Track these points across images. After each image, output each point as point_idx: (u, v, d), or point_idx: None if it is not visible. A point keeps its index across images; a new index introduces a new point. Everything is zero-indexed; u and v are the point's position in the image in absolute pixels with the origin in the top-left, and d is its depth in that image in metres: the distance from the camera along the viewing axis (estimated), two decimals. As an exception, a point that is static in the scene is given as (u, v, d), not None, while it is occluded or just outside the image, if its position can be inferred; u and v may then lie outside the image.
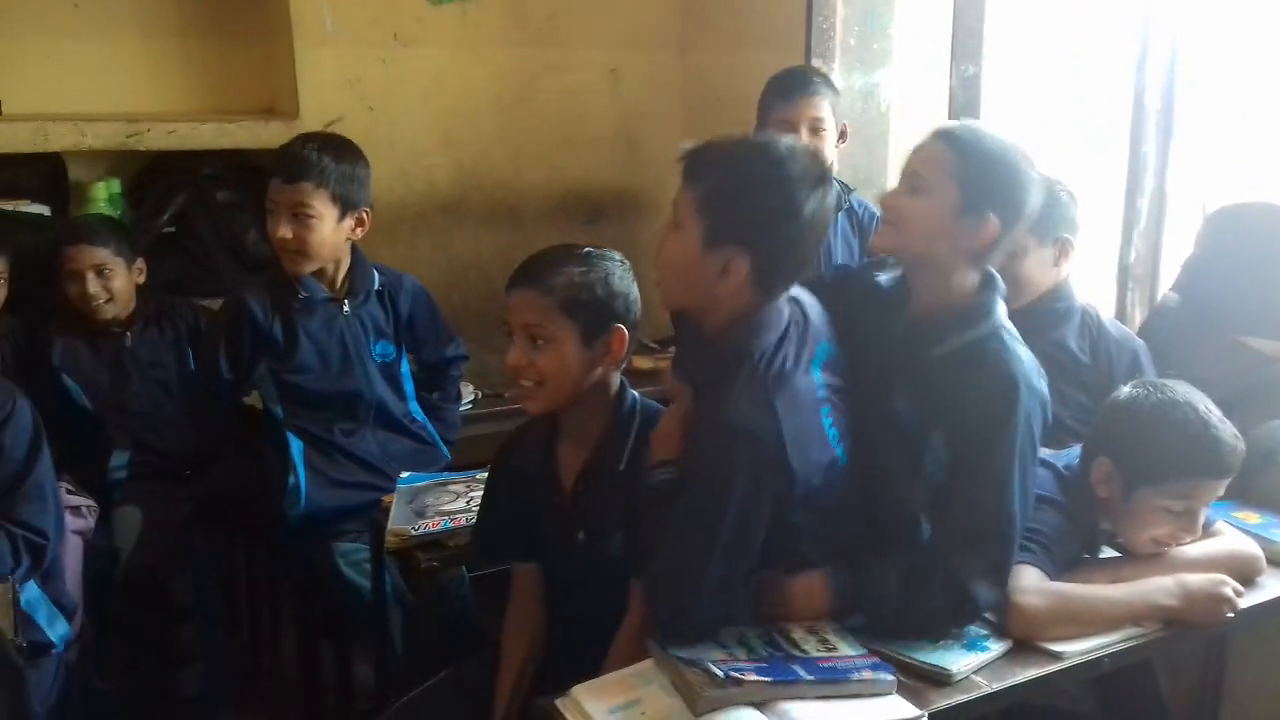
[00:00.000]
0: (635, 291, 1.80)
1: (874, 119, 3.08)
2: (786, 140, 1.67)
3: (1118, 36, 2.65)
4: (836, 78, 2.83)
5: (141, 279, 2.87)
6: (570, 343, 1.73)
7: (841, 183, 2.66)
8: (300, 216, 2.38)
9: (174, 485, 2.77)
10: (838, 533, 1.71)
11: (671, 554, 1.60)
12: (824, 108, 2.56)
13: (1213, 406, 1.81)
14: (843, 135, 2.63)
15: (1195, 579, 1.76)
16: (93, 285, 2.75)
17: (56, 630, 2.24)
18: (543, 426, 1.87)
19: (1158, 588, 1.75)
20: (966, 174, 1.70)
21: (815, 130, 2.55)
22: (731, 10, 3.47)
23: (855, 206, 2.76)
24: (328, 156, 2.40)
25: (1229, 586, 1.76)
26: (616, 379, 1.83)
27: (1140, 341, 2.32)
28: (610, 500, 1.79)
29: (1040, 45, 2.95)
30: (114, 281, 2.78)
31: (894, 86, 3.09)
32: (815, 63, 2.98)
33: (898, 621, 1.65)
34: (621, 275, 1.78)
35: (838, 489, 1.68)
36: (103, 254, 2.77)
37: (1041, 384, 1.72)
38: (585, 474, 1.82)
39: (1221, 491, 1.83)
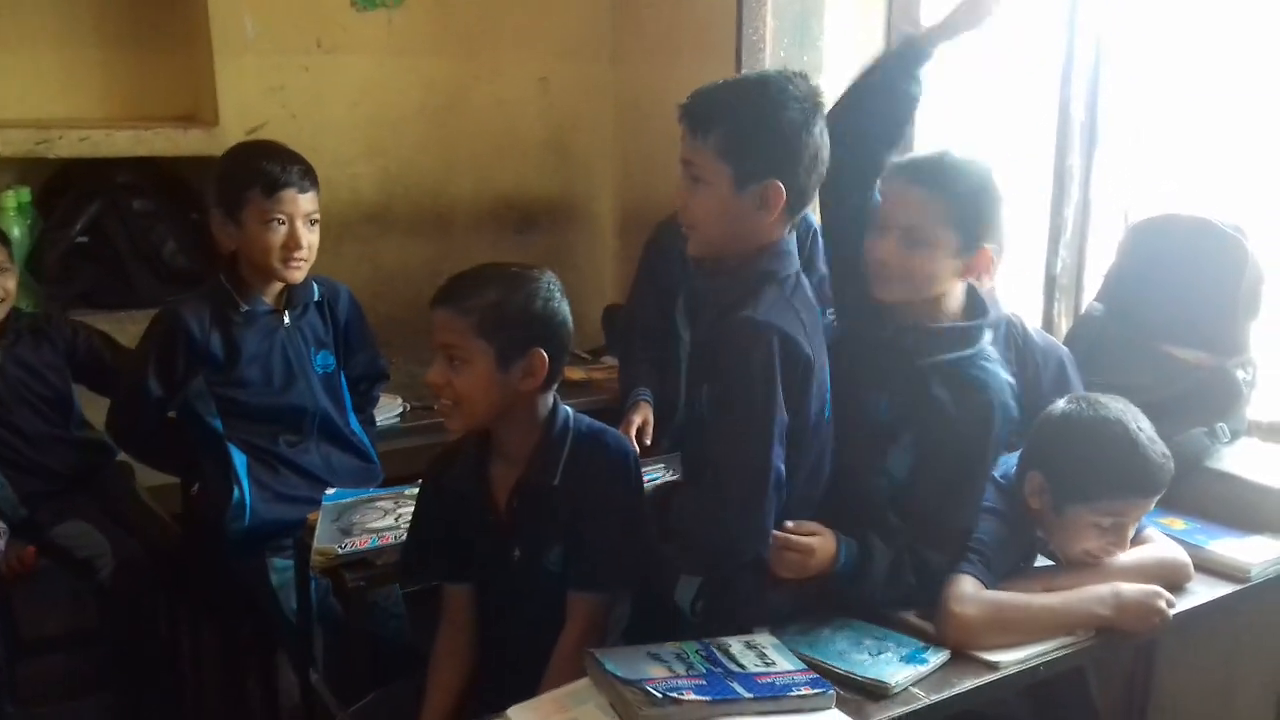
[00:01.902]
0: (564, 313, 1.76)
1: (804, 130, 3.09)
2: (773, 72, 1.76)
3: (1043, 48, 2.69)
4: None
5: (13, 289, 2.62)
6: (485, 364, 1.69)
7: None
8: (315, 224, 2.39)
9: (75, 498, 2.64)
10: (811, 491, 1.78)
11: (728, 471, 1.65)
12: None
13: (1144, 424, 1.84)
14: None
15: (1130, 589, 1.79)
16: None
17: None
18: (474, 445, 1.83)
19: (1093, 597, 1.77)
20: (961, 218, 1.74)
21: None
22: (663, 20, 3.46)
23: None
24: None
25: (1163, 599, 1.79)
26: (549, 397, 1.80)
27: (1065, 349, 2.34)
28: (545, 516, 1.77)
29: (968, 57, 2.98)
30: (8, 281, 2.57)
31: (825, 98, 3.10)
32: (745, 73, 2.98)
33: (876, 597, 1.76)
34: (546, 297, 1.74)
35: (823, 435, 1.77)
36: None
37: (1014, 406, 1.80)
38: (519, 491, 1.79)
39: (1151, 508, 1.88)
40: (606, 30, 3.71)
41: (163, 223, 3.19)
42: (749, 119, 1.66)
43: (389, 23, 3.39)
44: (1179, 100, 2.57)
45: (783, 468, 1.66)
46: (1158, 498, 1.85)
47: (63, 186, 3.16)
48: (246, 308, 2.40)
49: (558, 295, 1.76)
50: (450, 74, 3.51)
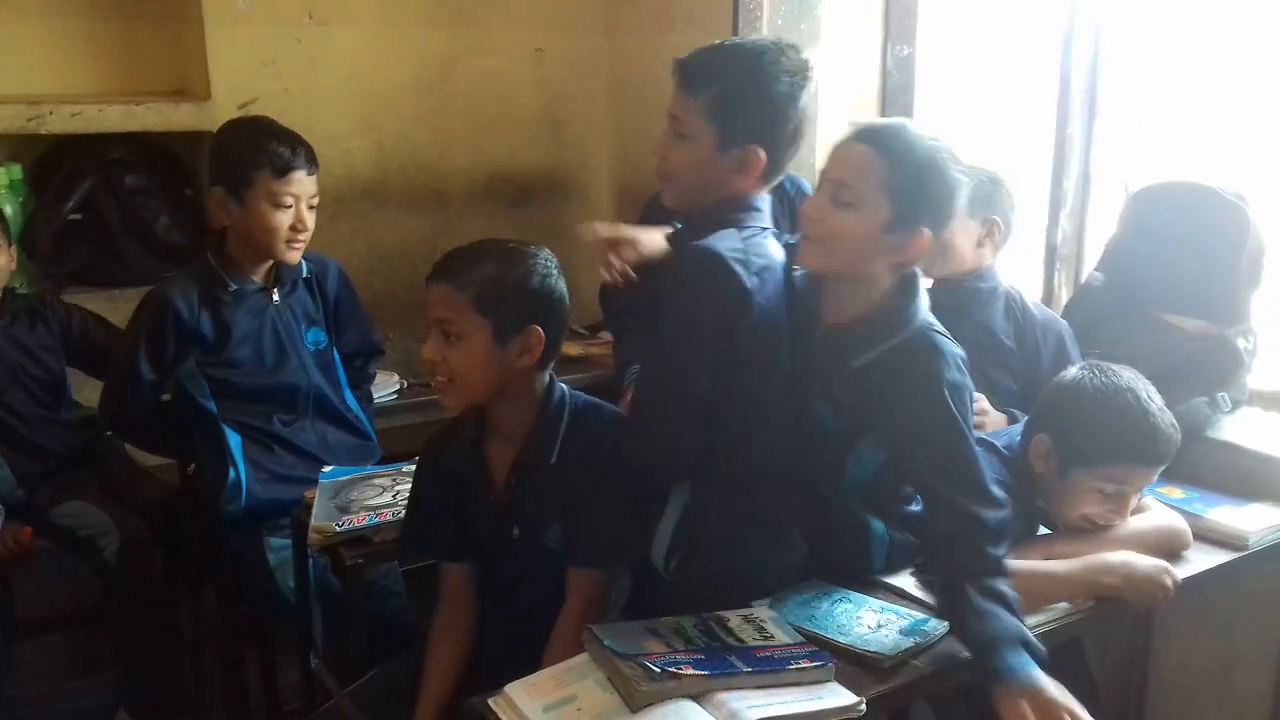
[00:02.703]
0: (561, 290, 1.75)
1: (802, 101, 3.06)
2: (768, 40, 1.78)
3: (1043, 19, 2.67)
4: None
5: (13, 266, 2.63)
6: (482, 340, 1.69)
7: None
8: (314, 207, 2.40)
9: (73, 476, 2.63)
10: (780, 442, 1.72)
11: (649, 382, 1.74)
12: None
13: (1155, 395, 1.84)
14: None
15: (1142, 562, 1.79)
16: None
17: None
18: (470, 424, 1.83)
19: (1102, 565, 1.77)
20: (899, 187, 1.60)
21: None
22: (657, -10, 3.42)
23: (785, 185, 2.71)
24: None
25: (1170, 577, 1.78)
26: (545, 375, 1.79)
27: (1064, 324, 2.34)
28: (544, 494, 1.77)
29: (966, 27, 2.96)
30: None
31: (823, 68, 3.07)
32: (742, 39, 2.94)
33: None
34: (544, 273, 1.73)
35: (777, 387, 1.72)
36: None
37: (964, 378, 1.67)
38: (517, 469, 1.79)
39: (1154, 479, 1.87)
40: (601, 1, 3.67)
41: (155, 198, 3.16)
42: (741, 85, 1.68)
43: (381, -7, 3.35)
44: (1180, 70, 2.55)
45: (706, 389, 1.66)
46: (1162, 468, 1.85)
47: (55, 163, 3.13)
48: (235, 287, 2.39)
49: (555, 272, 1.75)
50: (443, 46, 3.47)
